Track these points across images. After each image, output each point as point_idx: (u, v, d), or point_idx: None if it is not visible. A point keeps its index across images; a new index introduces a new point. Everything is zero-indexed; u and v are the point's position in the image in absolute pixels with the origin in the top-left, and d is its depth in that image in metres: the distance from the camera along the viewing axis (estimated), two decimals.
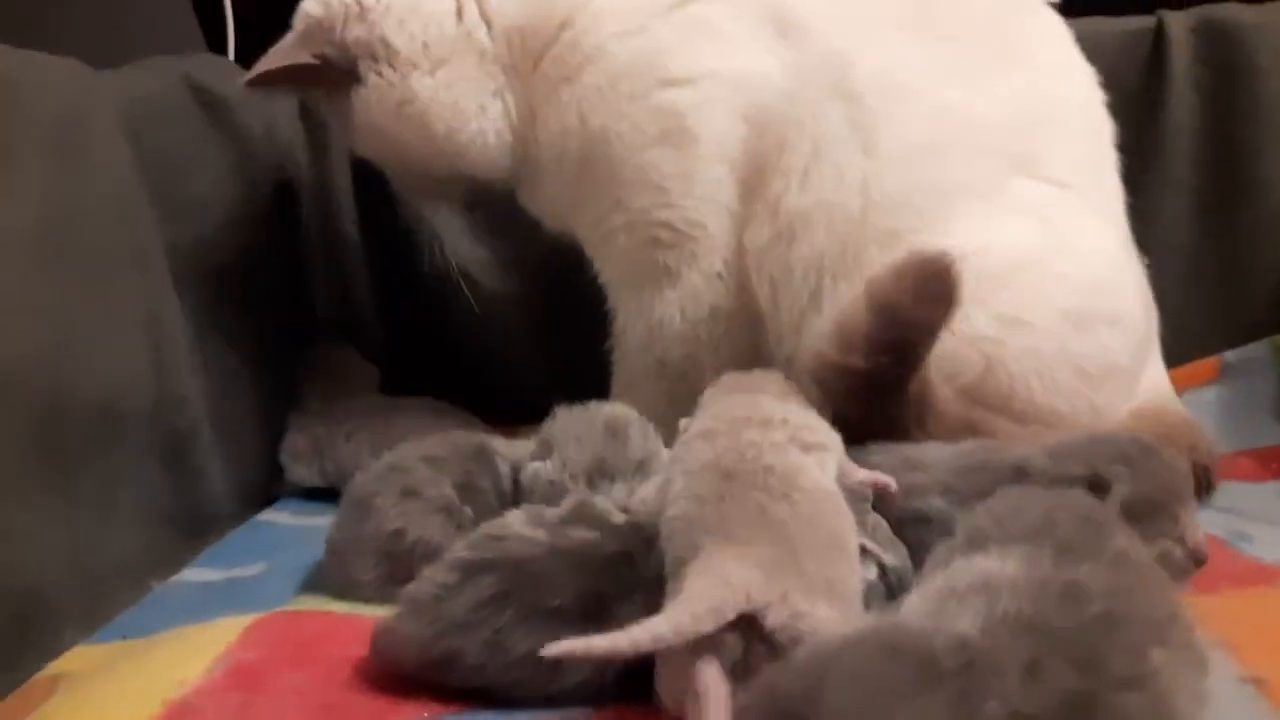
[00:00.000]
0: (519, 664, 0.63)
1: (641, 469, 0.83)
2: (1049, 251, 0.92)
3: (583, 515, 0.70)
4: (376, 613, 0.76)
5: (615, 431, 0.85)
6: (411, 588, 0.68)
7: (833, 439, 0.77)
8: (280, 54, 1.02)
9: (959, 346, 0.88)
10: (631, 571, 0.66)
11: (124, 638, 0.80)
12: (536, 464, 0.85)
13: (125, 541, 0.89)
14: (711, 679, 0.54)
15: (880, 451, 0.81)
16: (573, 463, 0.83)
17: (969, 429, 0.88)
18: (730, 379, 0.86)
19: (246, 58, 1.34)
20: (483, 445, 0.88)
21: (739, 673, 0.55)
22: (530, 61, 1.01)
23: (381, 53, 1.00)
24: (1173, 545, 0.70)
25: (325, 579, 0.83)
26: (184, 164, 1.06)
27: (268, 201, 1.17)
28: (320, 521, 1.01)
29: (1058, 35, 1.03)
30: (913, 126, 0.95)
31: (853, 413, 0.84)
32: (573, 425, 0.87)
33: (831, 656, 0.46)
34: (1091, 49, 1.09)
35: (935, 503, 0.75)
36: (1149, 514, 0.69)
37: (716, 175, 0.98)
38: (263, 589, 0.85)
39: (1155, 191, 1.20)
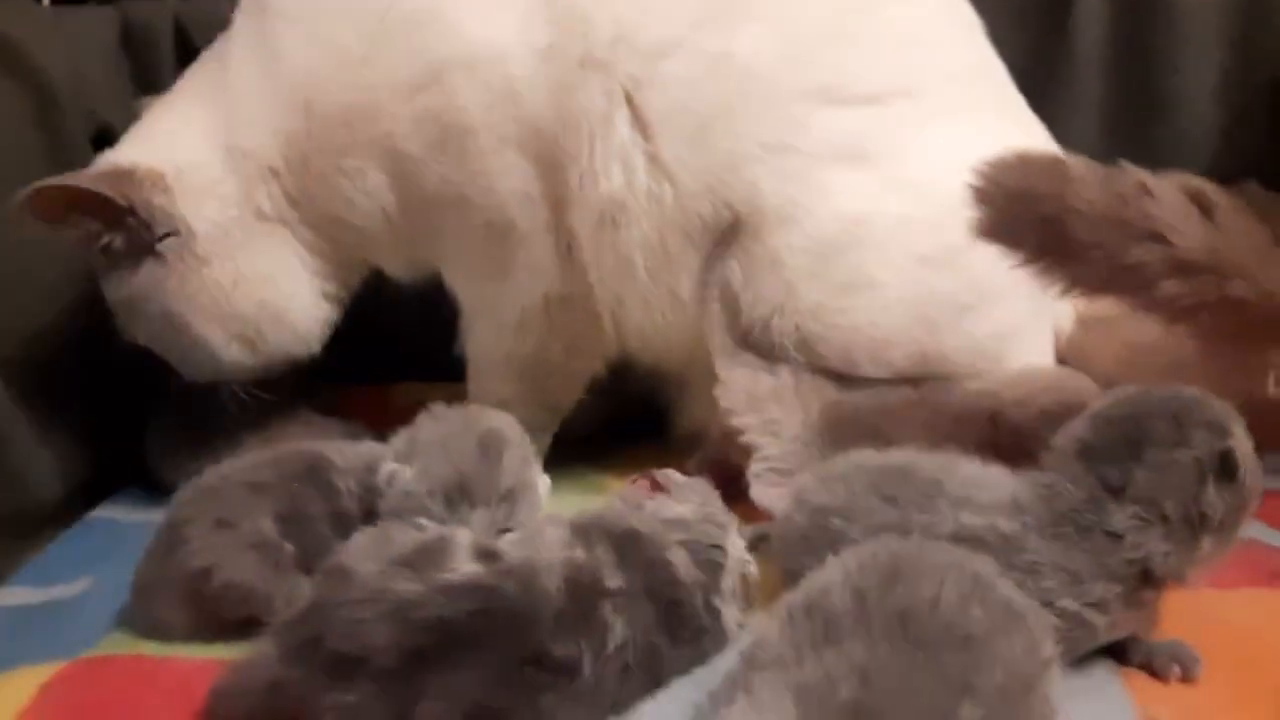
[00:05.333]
0: (328, 713, 0.58)
1: (509, 498, 0.76)
2: (884, 195, 0.84)
3: (420, 562, 0.62)
4: (192, 656, 0.71)
5: (488, 450, 0.77)
6: None
7: None
8: (88, 178, 0.90)
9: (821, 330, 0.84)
10: (456, 638, 0.59)
11: None
12: (395, 466, 0.77)
13: None
14: None
15: None
16: (432, 476, 0.75)
17: None
18: None
19: None
20: (316, 462, 0.79)
21: None
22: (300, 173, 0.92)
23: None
24: None
25: (135, 616, 0.76)
26: None
27: (76, 152, 1.02)
28: (158, 517, 0.94)
29: None
30: (679, 91, 0.85)
31: None
32: (443, 430, 0.79)
33: None
34: None
35: None
36: None
37: (506, 163, 0.88)
38: (76, 620, 0.78)
39: (1063, 108, 1.11)
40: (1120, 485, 0.62)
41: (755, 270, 0.85)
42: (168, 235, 0.92)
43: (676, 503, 0.71)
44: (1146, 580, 0.63)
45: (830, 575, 0.56)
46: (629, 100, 0.85)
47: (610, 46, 0.85)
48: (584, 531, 0.66)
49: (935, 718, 0.47)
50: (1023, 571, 0.61)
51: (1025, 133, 0.93)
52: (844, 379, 0.86)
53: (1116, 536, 0.62)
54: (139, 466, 1.02)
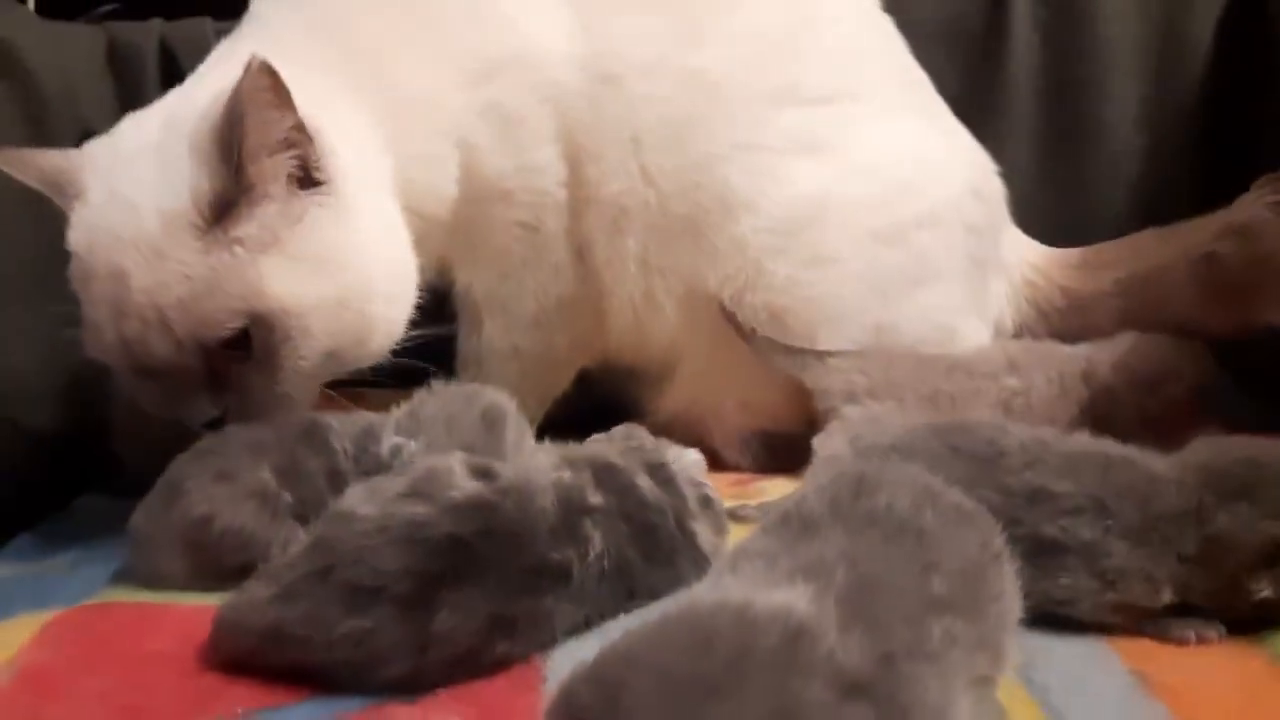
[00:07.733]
0: (341, 643, 0.60)
1: None
2: (838, 180, 0.94)
3: (423, 488, 0.65)
4: (192, 602, 0.72)
5: (491, 423, 0.82)
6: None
7: None
8: None
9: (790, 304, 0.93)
10: (466, 556, 0.62)
11: None
12: (401, 440, 0.81)
13: None
14: None
15: None
16: (439, 447, 0.79)
17: None
18: None
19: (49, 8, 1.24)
20: (313, 424, 0.82)
21: None
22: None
23: None
24: None
25: (133, 568, 0.77)
26: None
27: None
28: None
29: None
30: (662, 106, 0.95)
31: None
32: (446, 406, 0.84)
33: (632, 656, 0.42)
34: None
35: None
36: None
37: (548, 157, 0.96)
38: (70, 580, 0.79)
39: (997, 136, 1.19)
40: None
41: (729, 254, 0.93)
42: None
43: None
44: None
45: (804, 490, 0.62)
46: (630, 111, 0.94)
47: (619, 59, 0.94)
48: (569, 459, 0.72)
49: (916, 589, 0.52)
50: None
51: (949, 132, 1.04)
52: None
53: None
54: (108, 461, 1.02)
